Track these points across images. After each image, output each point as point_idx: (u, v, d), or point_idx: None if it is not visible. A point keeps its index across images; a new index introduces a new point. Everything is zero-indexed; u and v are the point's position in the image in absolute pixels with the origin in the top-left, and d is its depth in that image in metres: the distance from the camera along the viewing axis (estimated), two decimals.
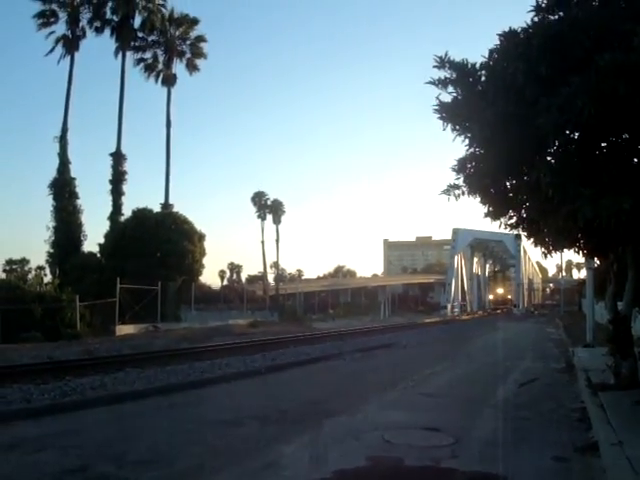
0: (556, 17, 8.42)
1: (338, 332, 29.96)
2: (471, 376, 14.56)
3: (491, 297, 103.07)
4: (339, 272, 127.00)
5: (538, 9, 8.49)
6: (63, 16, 48.58)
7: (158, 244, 40.34)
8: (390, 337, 27.18)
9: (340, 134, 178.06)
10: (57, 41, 48.16)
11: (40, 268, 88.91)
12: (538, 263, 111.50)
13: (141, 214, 43.76)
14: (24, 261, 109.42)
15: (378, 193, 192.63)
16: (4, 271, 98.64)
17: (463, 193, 9.54)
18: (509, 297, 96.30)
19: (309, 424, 8.85)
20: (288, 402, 10.74)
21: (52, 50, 48.04)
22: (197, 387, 12.56)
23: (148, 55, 51.79)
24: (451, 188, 9.54)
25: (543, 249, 9.91)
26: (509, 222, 10.19)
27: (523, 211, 9.91)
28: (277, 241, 68.20)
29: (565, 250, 10.90)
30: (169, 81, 51.41)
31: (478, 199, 9.68)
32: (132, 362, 15.35)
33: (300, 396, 11.49)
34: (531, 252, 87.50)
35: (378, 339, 25.94)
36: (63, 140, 45.76)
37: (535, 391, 12.10)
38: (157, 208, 46.99)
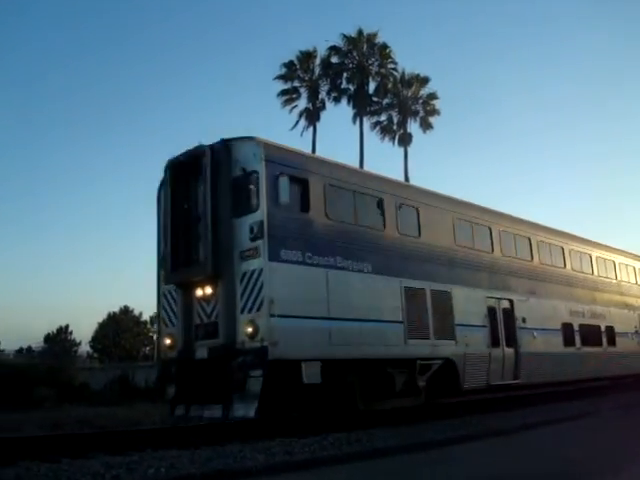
0: None
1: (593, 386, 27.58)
2: None
3: None
4: None
5: None
6: (303, 91, 52.46)
7: None
8: None
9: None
10: (300, 115, 51.95)
11: None
12: None
13: None
14: None
15: None
16: None
17: None
18: None
19: None
20: (545, 462, 10.25)
21: (296, 124, 51.85)
22: (447, 445, 12.41)
23: (383, 118, 53.77)
24: None
25: None
26: None
27: None
28: None
29: None
30: (404, 141, 52.75)
31: None
32: (386, 419, 15.55)
33: (556, 457, 10.88)
34: None
35: None
36: None
37: None
38: None
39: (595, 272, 26.31)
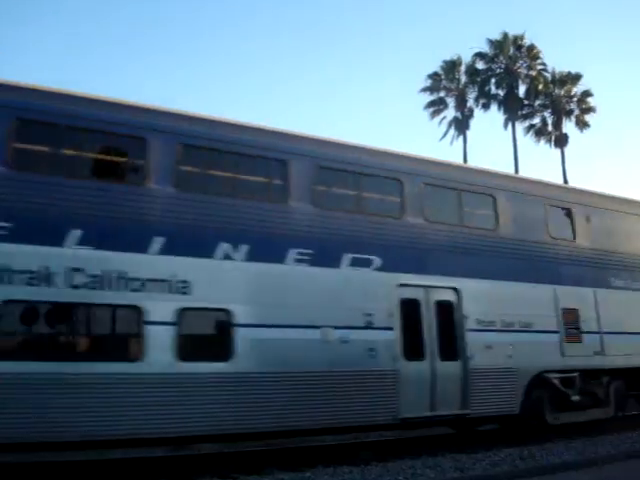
0: None
1: None
2: None
3: None
4: None
5: None
6: (450, 101, 52.13)
7: None
8: None
9: None
10: (449, 124, 51.64)
11: None
12: None
13: None
14: None
15: None
16: None
17: None
18: None
19: None
20: None
21: (445, 134, 51.57)
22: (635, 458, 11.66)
23: (536, 120, 52.22)
24: None
25: None
26: None
27: None
28: None
29: None
30: (560, 142, 50.87)
31: None
32: (558, 432, 14.89)
33: None
34: None
35: None
36: None
37: None
38: None
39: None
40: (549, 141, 51.83)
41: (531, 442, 13.12)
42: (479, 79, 51.65)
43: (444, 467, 10.82)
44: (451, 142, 51.45)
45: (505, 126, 50.99)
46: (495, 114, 51.99)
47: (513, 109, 50.64)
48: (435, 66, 52.50)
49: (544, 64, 51.77)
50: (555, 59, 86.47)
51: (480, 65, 52.10)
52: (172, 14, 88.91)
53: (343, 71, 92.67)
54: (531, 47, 51.41)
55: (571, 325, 15.13)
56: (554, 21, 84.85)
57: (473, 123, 52.03)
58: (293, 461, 11.19)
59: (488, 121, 74.06)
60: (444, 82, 52.37)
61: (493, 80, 51.55)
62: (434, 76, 52.09)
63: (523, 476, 10.34)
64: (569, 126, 51.92)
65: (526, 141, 53.79)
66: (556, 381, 14.48)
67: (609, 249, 16.62)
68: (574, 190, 18.02)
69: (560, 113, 51.51)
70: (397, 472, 10.41)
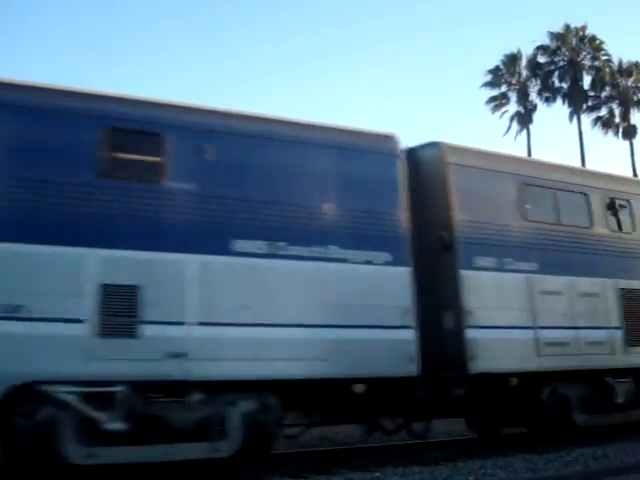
0: None
1: None
2: None
3: None
4: None
5: None
6: (512, 95, 51.37)
7: None
8: None
9: None
10: (511, 119, 50.90)
11: None
12: None
13: None
14: None
15: None
16: None
17: None
18: None
19: None
20: None
21: (509, 129, 50.83)
22: None
23: (603, 112, 51.12)
24: None
25: None
26: None
27: None
28: None
29: None
30: (629, 133, 49.66)
31: None
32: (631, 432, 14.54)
33: None
34: None
35: None
36: None
37: None
38: None
39: None
40: (617, 133, 50.75)
41: (605, 442, 12.87)
42: (541, 72, 50.81)
43: (516, 467, 10.69)
44: (515, 137, 50.81)
45: (570, 119, 50.12)
46: (559, 107, 51.09)
47: (578, 102, 49.63)
48: (495, 60, 51.87)
49: (608, 54, 50.67)
50: (620, 49, 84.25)
51: (542, 58, 51.31)
52: None
53: (405, 66, 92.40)
54: (593, 38, 50.35)
55: (115, 311, 9.09)
56: (616, 11, 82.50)
57: (536, 117, 51.29)
58: (362, 461, 11.24)
59: (552, 115, 72.51)
60: (505, 76, 51.68)
61: (556, 73, 50.66)
62: (495, 70, 51.46)
63: (596, 476, 10.17)
64: (637, 117, 50.85)
65: (593, 134, 52.49)
66: (69, 398, 8.82)
67: (242, 195, 10.15)
68: (169, 107, 10.29)
69: (628, 104, 50.28)
70: (467, 472, 10.33)
